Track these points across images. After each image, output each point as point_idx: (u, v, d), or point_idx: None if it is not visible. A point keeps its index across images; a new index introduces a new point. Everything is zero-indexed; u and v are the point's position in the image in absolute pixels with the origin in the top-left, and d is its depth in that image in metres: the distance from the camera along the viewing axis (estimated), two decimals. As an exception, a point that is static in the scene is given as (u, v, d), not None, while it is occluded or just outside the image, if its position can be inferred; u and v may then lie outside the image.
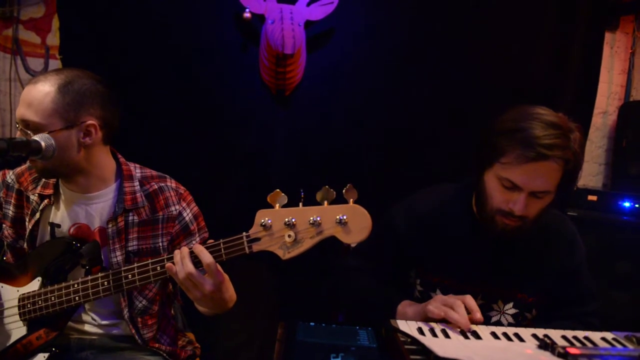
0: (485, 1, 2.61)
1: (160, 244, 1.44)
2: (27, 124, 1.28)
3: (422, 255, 1.50)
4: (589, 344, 1.18)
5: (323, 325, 1.22)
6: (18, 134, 1.30)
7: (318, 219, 1.08)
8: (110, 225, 1.40)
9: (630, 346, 1.17)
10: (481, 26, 2.60)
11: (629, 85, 3.23)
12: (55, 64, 2.56)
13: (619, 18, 3.13)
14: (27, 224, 1.44)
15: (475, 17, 2.60)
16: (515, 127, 1.29)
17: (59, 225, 1.42)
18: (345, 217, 1.06)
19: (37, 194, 1.44)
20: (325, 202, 1.09)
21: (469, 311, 1.26)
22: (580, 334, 1.24)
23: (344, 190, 1.08)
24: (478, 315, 1.24)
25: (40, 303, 1.34)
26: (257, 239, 1.14)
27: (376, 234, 1.56)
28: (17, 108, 1.31)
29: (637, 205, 2.63)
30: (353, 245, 1.83)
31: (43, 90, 1.27)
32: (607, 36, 2.98)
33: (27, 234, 1.43)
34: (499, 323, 1.47)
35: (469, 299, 1.27)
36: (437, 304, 1.27)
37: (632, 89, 3.23)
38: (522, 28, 2.66)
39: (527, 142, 1.25)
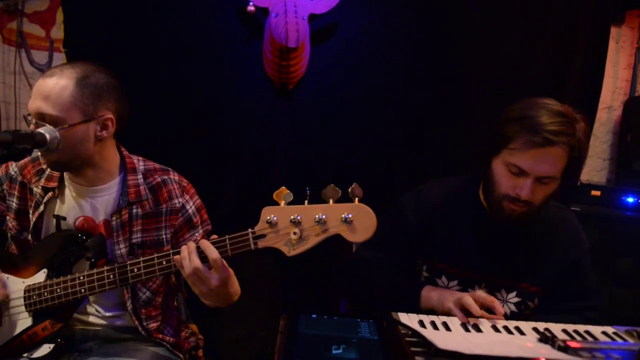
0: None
1: (164, 236, 1.45)
2: (42, 117, 1.28)
3: (430, 244, 1.53)
4: (589, 338, 1.18)
5: (325, 317, 1.23)
6: (32, 127, 1.30)
7: (324, 217, 1.09)
8: (114, 218, 1.41)
9: (630, 340, 1.17)
10: (486, 21, 2.59)
11: (634, 80, 3.20)
12: (59, 57, 2.56)
13: (624, 13, 3.11)
14: (30, 216, 1.45)
15: (480, 12, 2.59)
16: (522, 114, 1.35)
17: (64, 218, 1.44)
18: (350, 216, 1.07)
19: (40, 187, 1.45)
20: (331, 201, 1.10)
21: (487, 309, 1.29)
22: (581, 327, 1.25)
23: (349, 189, 1.09)
24: (498, 308, 1.28)
25: (45, 295, 1.36)
26: (263, 236, 1.15)
27: (387, 224, 1.59)
28: (30, 101, 1.30)
29: (640, 201, 2.63)
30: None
31: (60, 84, 1.28)
32: (613, 31, 2.96)
33: (31, 226, 1.45)
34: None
35: (498, 305, 1.30)
36: (457, 306, 1.30)
37: (638, 84, 3.21)
38: (527, 23, 2.64)
39: (534, 128, 1.31)
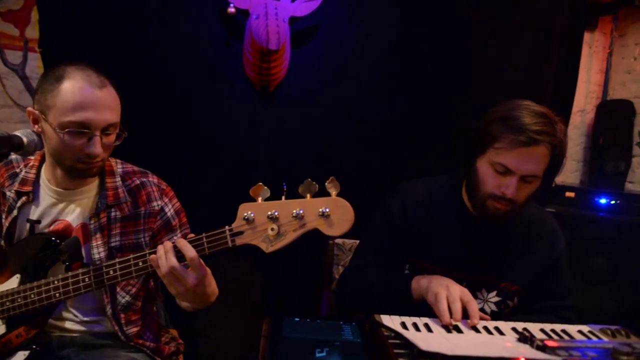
0: (465, 1, 2.64)
1: (143, 240, 1.44)
2: (114, 127, 1.34)
3: (414, 242, 1.54)
4: (566, 337, 1.21)
5: (308, 320, 1.23)
6: (105, 139, 1.32)
7: (301, 211, 1.09)
8: (92, 221, 1.39)
9: (605, 338, 1.20)
10: (465, 25, 2.63)
11: (607, 84, 3.30)
12: (34, 56, 2.50)
13: (597, 18, 3.20)
14: (3, 221, 1.42)
15: (460, 16, 2.63)
16: (507, 115, 1.40)
17: (38, 222, 1.40)
18: (327, 210, 1.07)
19: (14, 191, 1.41)
20: (308, 195, 1.10)
21: (466, 314, 1.26)
22: (558, 327, 1.27)
23: (326, 183, 1.09)
24: (475, 321, 1.24)
25: (19, 300, 1.32)
26: (240, 233, 1.15)
27: (375, 228, 1.61)
28: (91, 114, 1.27)
29: (612, 202, 2.70)
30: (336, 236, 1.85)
31: (113, 91, 1.34)
32: (586, 36, 3.04)
33: (3, 231, 1.41)
34: (482, 311, 1.50)
35: (473, 305, 1.27)
36: (434, 294, 1.29)
37: (610, 88, 3.30)
38: (504, 29, 2.69)
39: (518, 128, 1.35)
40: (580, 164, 3.36)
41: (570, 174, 3.32)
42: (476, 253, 1.51)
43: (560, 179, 3.18)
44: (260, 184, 1.13)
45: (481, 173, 1.44)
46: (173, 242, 1.20)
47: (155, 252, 1.20)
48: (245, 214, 1.13)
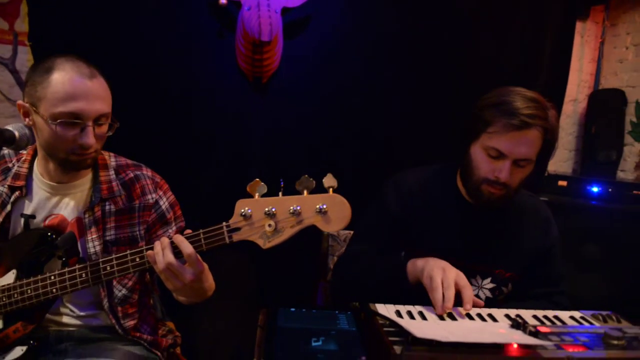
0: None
1: (138, 233, 1.43)
2: (106, 117, 1.33)
3: (410, 230, 1.56)
4: (558, 323, 1.23)
5: (303, 310, 1.24)
6: (98, 130, 1.31)
7: (298, 208, 1.09)
8: (87, 215, 1.38)
9: (596, 324, 1.23)
10: (458, 15, 2.64)
11: (599, 73, 3.31)
12: (24, 50, 2.47)
13: (589, 7, 3.21)
14: (-3, 216, 1.41)
15: (449, 7, 2.63)
16: (499, 100, 1.42)
17: (33, 217, 1.39)
18: (325, 206, 1.08)
19: (7, 186, 1.40)
20: (305, 192, 1.10)
21: (460, 299, 1.27)
22: (550, 313, 1.29)
23: (323, 179, 1.09)
24: (468, 307, 1.26)
25: (16, 296, 1.32)
26: (238, 229, 1.15)
27: (371, 216, 1.62)
28: (83, 104, 1.26)
29: (605, 191, 2.73)
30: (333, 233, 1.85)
31: (104, 82, 1.33)
32: (578, 25, 3.05)
33: None
34: (476, 297, 1.52)
35: (468, 290, 1.28)
36: (429, 276, 1.29)
37: (602, 78, 3.32)
38: (496, 19, 2.70)
39: (511, 112, 1.38)
40: (573, 153, 3.38)
41: (562, 163, 3.34)
42: (471, 240, 1.53)
43: (552, 168, 3.20)
44: (258, 179, 1.13)
45: (475, 158, 1.46)
46: (170, 238, 1.19)
47: (152, 248, 1.20)
48: (243, 210, 1.13)
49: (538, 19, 2.77)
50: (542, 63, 2.84)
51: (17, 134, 1.21)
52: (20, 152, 1.45)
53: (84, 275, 1.28)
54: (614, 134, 3.15)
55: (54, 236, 1.34)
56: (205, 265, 1.26)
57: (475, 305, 1.28)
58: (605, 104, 3.19)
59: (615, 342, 1.06)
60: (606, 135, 3.14)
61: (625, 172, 3.19)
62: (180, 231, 1.47)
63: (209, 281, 1.35)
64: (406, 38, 2.61)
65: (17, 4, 2.44)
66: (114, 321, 1.42)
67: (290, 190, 1.11)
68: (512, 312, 1.28)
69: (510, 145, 1.39)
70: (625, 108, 3.16)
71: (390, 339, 1.03)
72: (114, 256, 1.26)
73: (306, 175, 1.10)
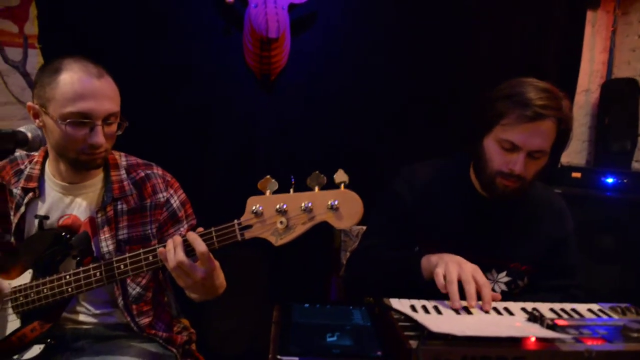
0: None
1: (150, 231, 1.44)
2: (115, 116, 1.34)
3: (423, 224, 1.54)
4: (576, 316, 1.21)
5: (317, 306, 1.24)
6: (107, 129, 1.32)
7: (310, 204, 1.08)
8: (99, 215, 1.40)
9: (615, 316, 1.20)
10: (465, 7, 2.61)
11: (611, 63, 3.26)
12: (34, 53, 2.50)
13: (600, -4, 3.15)
14: (12, 218, 1.43)
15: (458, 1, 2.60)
16: (511, 92, 1.40)
17: (47, 217, 1.41)
18: (337, 203, 1.06)
19: (20, 187, 1.42)
20: (317, 188, 1.09)
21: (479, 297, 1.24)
22: (568, 306, 1.27)
23: (334, 175, 1.07)
24: (487, 307, 1.22)
25: (32, 295, 1.34)
26: (249, 226, 1.14)
27: (385, 211, 1.60)
28: (92, 104, 1.27)
29: (619, 181, 2.69)
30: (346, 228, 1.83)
31: (111, 81, 1.34)
32: (589, 14, 3.00)
33: (13, 229, 1.42)
34: (492, 291, 1.50)
35: (487, 289, 1.25)
36: (445, 272, 1.26)
37: (614, 67, 3.26)
38: (504, 9, 2.66)
39: (524, 103, 1.36)
40: (586, 144, 3.33)
41: (576, 154, 3.30)
42: (485, 234, 1.51)
43: (566, 160, 3.16)
44: (268, 176, 1.12)
45: (488, 151, 1.44)
46: (183, 236, 1.20)
47: (164, 246, 1.21)
48: (254, 208, 1.12)
49: (547, 8, 2.73)
50: (552, 53, 2.79)
51: (30, 135, 1.22)
52: (32, 153, 1.47)
53: (98, 274, 1.29)
54: (628, 123, 3.10)
55: (68, 236, 1.36)
56: (217, 263, 1.27)
57: (493, 300, 1.27)
58: (618, 94, 3.14)
59: (635, 334, 1.04)
60: (620, 125, 3.09)
61: (640, 162, 3.14)
62: (191, 229, 1.48)
63: (220, 279, 1.35)
64: (413, 32, 2.58)
65: (26, 7, 2.46)
66: (129, 319, 1.44)
67: (301, 187, 1.10)
68: (529, 306, 1.26)
69: (524, 137, 1.37)
70: (639, 97, 3.11)
71: (406, 333, 1.02)
72: (127, 255, 1.27)
73: (317, 172, 1.09)
